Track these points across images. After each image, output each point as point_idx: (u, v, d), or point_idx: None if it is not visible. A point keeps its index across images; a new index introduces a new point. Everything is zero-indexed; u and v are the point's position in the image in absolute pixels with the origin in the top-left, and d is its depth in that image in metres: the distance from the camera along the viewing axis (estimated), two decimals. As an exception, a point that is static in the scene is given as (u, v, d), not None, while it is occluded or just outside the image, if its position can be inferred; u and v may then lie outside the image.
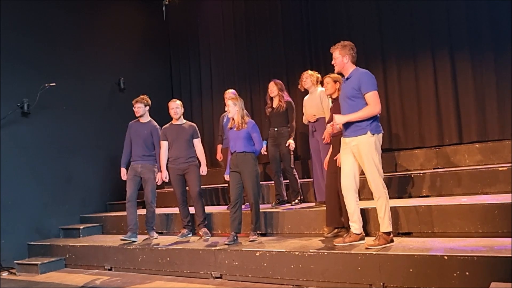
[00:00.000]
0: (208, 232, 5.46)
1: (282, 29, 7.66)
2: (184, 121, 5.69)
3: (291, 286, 4.13)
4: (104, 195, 7.49)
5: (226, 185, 5.47)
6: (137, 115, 5.83)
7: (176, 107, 5.57)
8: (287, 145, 5.56)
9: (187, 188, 5.60)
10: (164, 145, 5.58)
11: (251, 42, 8.01)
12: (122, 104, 7.45)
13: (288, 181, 5.83)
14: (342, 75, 4.21)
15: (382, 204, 3.93)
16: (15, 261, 5.99)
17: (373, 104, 3.89)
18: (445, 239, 3.98)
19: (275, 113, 5.72)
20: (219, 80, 8.42)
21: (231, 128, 5.05)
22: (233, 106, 4.97)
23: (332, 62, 4.15)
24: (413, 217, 4.34)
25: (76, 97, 7.14)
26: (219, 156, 6.21)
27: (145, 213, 5.80)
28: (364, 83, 3.92)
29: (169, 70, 9.14)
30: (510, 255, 3.15)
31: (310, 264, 4.03)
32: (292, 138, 5.59)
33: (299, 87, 5.61)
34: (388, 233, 3.95)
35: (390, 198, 4.02)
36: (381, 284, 3.63)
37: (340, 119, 4.01)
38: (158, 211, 6.07)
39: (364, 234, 4.21)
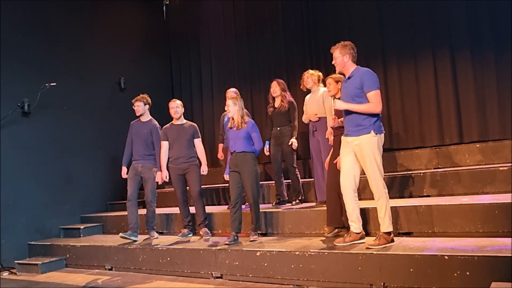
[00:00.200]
0: (209, 232, 5.46)
1: (282, 28, 7.66)
2: (185, 121, 5.69)
3: (292, 286, 4.13)
4: (104, 195, 7.50)
5: (227, 185, 5.47)
6: (137, 114, 5.83)
7: (176, 106, 5.58)
8: (289, 144, 5.56)
9: (187, 188, 5.60)
10: (165, 145, 5.58)
11: (251, 42, 8.02)
12: (123, 104, 7.45)
13: (289, 180, 5.83)
14: (344, 75, 4.21)
15: (383, 204, 3.93)
16: (15, 261, 5.99)
17: (375, 102, 3.90)
18: (446, 239, 3.98)
19: (277, 113, 5.71)
20: (219, 79, 8.42)
21: (230, 128, 5.04)
22: (233, 106, 4.97)
23: (333, 62, 4.15)
24: (413, 217, 4.34)
25: (76, 97, 7.15)
26: (220, 155, 6.22)
27: (145, 213, 5.80)
28: (366, 82, 3.92)
29: (169, 70, 9.14)
30: (510, 255, 3.14)
31: (310, 264, 4.03)
32: (295, 137, 5.59)
33: (301, 87, 5.61)
34: (388, 233, 3.95)
35: (390, 197, 4.03)
36: (382, 284, 3.63)
37: (340, 105, 4.03)
38: (159, 211, 6.07)
39: (364, 233, 4.21)
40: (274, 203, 5.80)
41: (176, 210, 5.93)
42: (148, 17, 8.81)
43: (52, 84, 6.47)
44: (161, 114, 6.38)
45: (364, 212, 4.38)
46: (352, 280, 3.79)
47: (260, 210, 5.15)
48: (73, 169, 7.01)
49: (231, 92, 5.96)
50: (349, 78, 4.09)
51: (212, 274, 4.66)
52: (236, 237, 4.86)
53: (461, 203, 4.20)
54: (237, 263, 4.49)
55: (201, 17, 8.78)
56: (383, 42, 6.66)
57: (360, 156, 4.00)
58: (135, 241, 5.56)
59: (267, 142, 5.83)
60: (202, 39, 8.74)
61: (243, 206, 5.12)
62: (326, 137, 4.83)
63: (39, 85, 6.46)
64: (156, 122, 5.86)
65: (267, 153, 5.83)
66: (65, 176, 6.90)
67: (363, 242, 4.07)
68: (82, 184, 7.12)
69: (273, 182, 5.99)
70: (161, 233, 6.06)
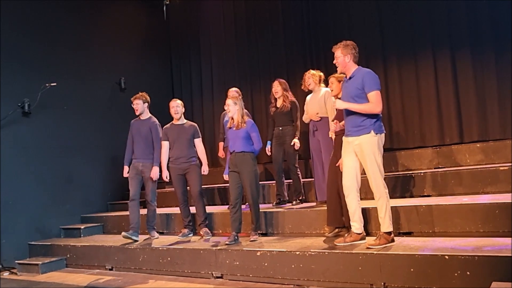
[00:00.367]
0: (209, 232, 5.46)
1: (282, 28, 7.66)
2: (185, 121, 5.69)
3: (292, 286, 4.13)
4: (105, 195, 7.50)
5: (227, 184, 5.47)
6: (136, 113, 5.81)
7: (176, 106, 5.58)
8: (292, 144, 5.55)
9: (188, 188, 5.60)
10: (165, 145, 5.58)
11: (251, 42, 8.02)
12: (123, 104, 7.44)
13: (290, 180, 5.83)
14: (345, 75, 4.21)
15: (383, 204, 3.93)
16: (16, 261, 6.00)
17: (375, 103, 3.90)
18: (446, 238, 3.98)
19: (279, 113, 5.71)
20: (219, 79, 8.42)
21: (230, 128, 5.04)
22: (233, 105, 4.96)
23: (334, 62, 4.15)
24: (414, 217, 4.34)
25: (76, 97, 7.15)
26: (221, 154, 6.21)
27: (146, 212, 5.80)
28: (367, 83, 3.92)
29: (169, 70, 9.14)
30: (511, 255, 3.14)
31: (311, 264, 4.03)
32: (297, 137, 5.59)
33: (302, 87, 5.61)
34: (389, 233, 3.95)
35: (391, 197, 4.03)
36: (382, 283, 3.63)
37: (340, 104, 4.04)
38: (159, 211, 6.07)
39: (365, 234, 4.21)
40: (274, 203, 5.80)
41: (176, 210, 5.93)
42: (148, 17, 8.81)
43: (52, 84, 6.47)
44: (162, 114, 6.38)
45: (364, 212, 4.38)
46: (352, 280, 3.79)
47: (261, 210, 5.15)
48: (74, 169, 7.01)
49: (233, 91, 5.95)
50: (350, 78, 4.09)
51: (212, 274, 4.66)
52: (236, 237, 4.86)
53: (461, 203, 4.20)
54: (237, 263, 4.50)
55: (201, 17, 8.78)
56: (383, 42, 6.66)
57: (360, 156, 4.00)
58: (135, 241, 5.56)
59: (268, 142, 5.83)
60: (202, 39, 8.74)
61: (243, 206, 5.11)
62: (330, 136, 4.81)
63: (39, 85, 6.47)
64: (155, 119, 5.86)
65: (268, 153, 5.83)
66: (65, 176, 6.90)
67: (364, 243, 4.07)
68: (82, 184, 7.12)
69: (274, 182, 5.99)
70: (161, 233, 6.06)
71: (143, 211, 5.90)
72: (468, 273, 3.26)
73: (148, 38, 8.65)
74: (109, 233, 6.70)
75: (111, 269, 5.53)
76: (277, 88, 5.72)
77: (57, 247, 6.13)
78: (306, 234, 4.96)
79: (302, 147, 5.69)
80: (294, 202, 5.71)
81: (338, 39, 4.22)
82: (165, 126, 5.65)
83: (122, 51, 8.09)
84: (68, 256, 5.98)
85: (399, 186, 5.34)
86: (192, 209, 5.61)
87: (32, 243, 6.35)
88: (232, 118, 5.01)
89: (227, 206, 5.94)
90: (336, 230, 4.63)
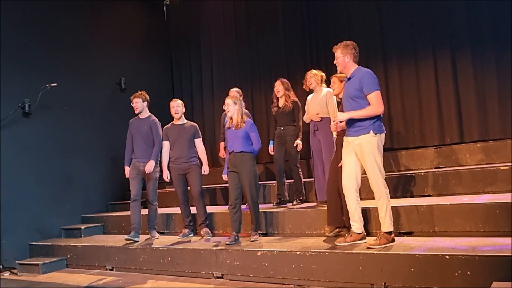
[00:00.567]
0: (210, 232, 5.47)
1: (283, 28, 7.66)
2: (185, 121, 5.69)
3: (293, 286, 4.13)
4: (105, 195, 7.50)
5: (228, 185, 5.48)
6: (135, 111, 5.78)
7: (177, 106, 5.58)
8: (294, 145, 5.55)
9: (188, 188, 5.59)
10: (166, 145, 5.58)
11: (251, 42, 8.02)
12: (123, 104, 7.43)
13: (290, 180, 5.82)
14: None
15: (383, 203, 3.93)
16: (16, 261, 6.00)
17: (376, 104, 3.89)
18: (447, 238, 3.98)
19: (281, 113, 5.70)
20: (220, 79, 8.42)
21: (229, 128, 5.02)
22: (233, 105, 4.94)
23: (334, 62, 4.15)
24: (414, 217, 4.34)
25: (77, 97, 7.15)
26: (222, 154, 6.21)
27: (146, 212, 5.79)
28: (366, 84, 3.91)
29: (170, 70, 9.15)
30: (511, 255, 3.14)
31: (311, 263, 4.03)
32: (299, 138, 5.59)
33: (304, 87, 5.60)
34: (389, 233, 3.95)
35: (391, 197, 4.03)
36: (383, 283, 3.63)
37: (342, 116, 4.02)
38: (160, 211, 6.06)
39: (365, 234, 4.21)
40: (274, 203, 5.80)
41: (177, 210, 5.94)
42: (149, 17, 8.81)
43: (53, 84, 6.47)
44: (162, 114, 6.38)
45: (364, 212, 4.38)
46: (353, 280, 3.79)
47: (261, 210, 5.15)
48: (74, 169, 7.01)
49: (234, 91, 5.95)
50: (349, 78, 4.09)
51: (213, 274, 4.66)
52: (237, 237, 4.86)
53: (462, 203, 4.20)
54: (238, 263, 4.50)
55: (201, 17, 8.78)
56: (383, 42, 6.66)
57: (360, 156, 4.00)
58: (136, 241, 5.55)
59: (271, 141, 5.83)
60: (203, 39, 8.74)
61: (243, 206, 5.11)
62: (334, 133, 4.80)
63: (39, 85, 6.47)
64: (155, 118, 5.84)
65: (271, 153, 5.83)
66: (65, 176, 6.90)
67: (364, 242, 4.07)
68: (82, 184, 7.12)
69: (274, 182, 5.99)
70: (162, 233, 6.07)
71: (144, 211, 5.89)
72: (468, 273, 3.26)
73: (148, 38, 8.65)
74: (110, 233, 6.71)
75: (111, 269, 5.53)
76: (279, 87, 5.72)
77: (57, 247, 6.13)
78: (307, 234, 4.96)
79: (303, 147, 5.69)
80: (294, 202, 5.71)
81: (338, 39, 4.22)
82: (165, 126, 5.65)
83: (122, 51, 8.09)
84: (68, 256, 5.98)
85: (400, 186, 5.34)
86: (193, 209, 5.61)
87: (33, 243, 6.35)
88: (231, 118, 4.99)
89: (228, 206, 5.94)
90: (337, 230, 4.63)
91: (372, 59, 6.60)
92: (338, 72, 4.34)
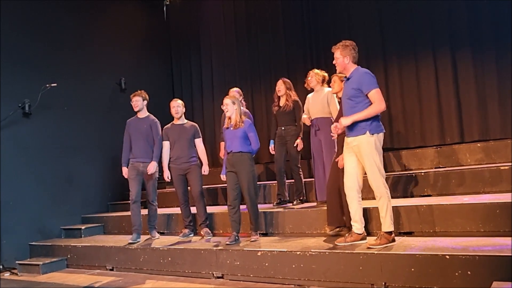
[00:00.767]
0: (210, 232, 5.47)
1: (283, 28, 7.66)
2: (186, 121, 5.69)
3: (293, 286, 4.13)
4: (105, 195, 7.50)
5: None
6: (135, 109, 5.75)
7: (177, 106, 5.57)
8: (295, 145, 5.55)
9: (188, 188, 5.59)
10: (166, 145, 5.57)
11: (252, 42, 8.02)
12: (123, 104, 7.44)
13: (291, 180, 5.82)
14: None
15: (384, 203, 3.93)
16: (16, 262, 6.00)
17: (377, 102, 3.89)
18: (447, 238, 3.98)
19: (282, 112, 5.71)
20: (220, 79, 8.42)
21: (227, 128, 5.01)
22: (232, 105, 4.93)
23: (334, 62, 4.15)
24: (414, 217, 4.34)
25: (77, 97, 7.15)
26: (222, 153, 6.20)
27: (146, 213, 5.79)
28: (364, 84, 3.92)
29: (170, 70, 9.15)
30: (511, 255, 3.15)
31: (311, 264, 4.03)
32: (300, 137, 5.58)
33: (305, 85, 5.61)
34: (389, 233, 3.95)
35: (391, 197, 4.02)
36: (383, 283, 3.63)
37: (345, 121, 3.98)
38: (160, 211, 6.07)
39: (365, 234, 4.21)
40: (275, 203, 5.80)
41: (177, 210, 5.94)
42: (149, 17, 8.81)
43: (53, 84, 6.47)
44: (162, 114, 6.38)
45: (365, 212, 4.37)
46: (353, 280, 3.79)
47: (261, 210, 5.15)
48: (74, 169, 7.01)
49: (234, 91, 5.95)
50: (348, 79, 4.09)
51: (213, 274, 4.66)
52: (237, 237, 4.85)
53: (462, 203, 4.20)
54: (238, 263, 4.50)
55: (201, 17, 8.78)
56: (384, 42, 6.66)
57: (359, 157, 4.00)
58: (137, 241, 5.55)
59: (271, 141, 5.83)
60: (203, 39, 8.74)
61: (243, 206, 5.10)
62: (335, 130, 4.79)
63: (39, 85, 6.47)
64: (154, 117, 5.82)
65: (272, 152, 5.84)
66: (65, 176, 6.90)
67: (365, 242, 4.07)
68: (82, 184, 7.12)
69: (275, 182, 5.99)
70: (162, 233, 6.06)
71: (143, 211, 5.89)
72: (469, 272, 3.26)
73: (148, 38, 8.65)
74: (110, 234, 6.71)
75: (111, 270, 5.53)
76: (281, 86, 5.72)
77: (57, 247, 6.13)
78: (307, 234, 4.96)
79: (303, 146, 5.70)
80: (294, 202, 5.71)
81: (338, 39, 4.22)
82: (165, 126, 5.65)
83: (122, 51, 8.09)
84: (68, 256, 5.98)
85: (400, 185, 5.34)
86: (193, 209, 5.61)
87: (33, 243, 6.35)
88: (229, 118, 4.97)
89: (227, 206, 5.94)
90: (337, 230, 4.62)
91: (372, 59, 6.60)
92: (337, 72, 4.34)
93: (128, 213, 5.76)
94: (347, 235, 4.22)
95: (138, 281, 4.88)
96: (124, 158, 5.75)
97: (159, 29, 8.96)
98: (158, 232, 5.87)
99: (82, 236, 6.52)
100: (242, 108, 5.89)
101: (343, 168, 4.25)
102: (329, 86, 5.21)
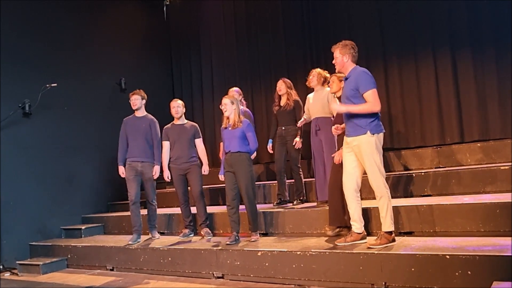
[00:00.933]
0: (210, 232, 5.46)
1: (283, 28, 7.67)
2: (186, 121, 5.69)
3: (293, 286, 4.13)
4: (105, 195, 7.50)
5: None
6: (134, 108, 5.72)
7: (177, 106, 5.57)
8: (294, 143, 5.55)
9: (188, 188, 5.59)
10: (166, 145, 5.57)
11: (252, 42, 8.02)
12: (123, 104, 7.42)
13: (291, 180, 5.83)
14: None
15: (384, 203, 3.93)
16: (17, 262, 6.00)
17: (373, 102, 3.89)
18: (447, 238, 3.98)
19: (283, 112, 5.71)
20: (220, 79, 8.43)
21: (225, 128, 5.00)
22: (230, 105, 4.92)
23: (333, 61, 4.15)
24: (414, 216, 4.34)
25: (77, 97, 7.15)
26: (222, 154, 6.20)
27: (145, 213, 5.78)
28: (361, 84, 3.92)
29: (170, 70, 9.15)
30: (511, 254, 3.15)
31: (311, 263, 4.03)
32: (299, 136, 5.58)
33: (306, 83, 5.62)
34: (390, 233, 3.95)
35: (391, 197, 4.02)
36: (383, 283, 3.63)
37: (339, 108, 4.08)
38: (160, 211, 6.07)
39: (365, 234, 4.21)
40: (275, 203, 5.80)
41: (177, 210, 5.94)
42: (149, 17, 8.81)
43: (53, 84, 6.47)
44: (162, 114, 6.38)
45: (365, 212, 4.38)
46: (353, 280, 3.80)
47: (261, 210, 5.15)
48: (74, 169, 7.01)
49: (233, 91, 5.95)
50: (347, 78, 4.10)
51: (213, 274, 4.66)
52: (237, 237, 4.86)
53: (462, 203, 4.20)
54: (238, 263, 4.50)
55: (201, 17, 8.78)
56: (384, 42, 6.66)
57: (359, 157, 4.00)
58: (137, 242, 5.55)
59: (270, 140, 5.84)
60: (203, 39, 8.75)
61: (242, 207, 5.08)
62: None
63: (39, 85, 6.47)
64: (153, 117, 5.80)
65: (270, 151, 5.84)
66: (66, 176, 6.90)
67: (365, 242, 4.07)
68: (83, 184, 7.12)
69: (275, 182, 5.99)
70: (162, 233, 6.06)
71: (143, 211, 5.88)
72: (469, 272, 3.27)
73: (148, 38, 8.65)
74: (110, 234, 6.71)
75: (112, 270, 5.53)
76: (281, 86, 5.73)
77: (58, 247, 6.13)
78: (307, 234, 4.96)
79: (303, 146, 5.70)
80: (295, 202, 5.71)
81: (338, 39, 4.22)
82: (165, 126, 5.64)
83: (122, 51, 8.09)
84: (69, 256, 5.99)
85: (400, 185, 5.34)
86: (193, 209, 5.61)
87: (33, 243, 6.35)
88: (228, 118, 4.96)
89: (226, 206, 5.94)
90: (337, 230, 4.62)
91: (372, 59, 6.61)
92: (336, 71, 4.34)
93: (128, 213, 5.75)
94: (347, 235, 4.22)
95: (138, 281, 4.88)
96: (120, 157, 5.70)
97: (159, 29, 8.96)
98: (158, 232, 5.86)
99: (82, 236, 6.53)
100: (242, 107, 5.93)
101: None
102: (329, 86, 5.21)
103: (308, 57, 7.34)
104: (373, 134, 3.92)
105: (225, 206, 6.24)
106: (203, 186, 5.61)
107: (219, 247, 4.72)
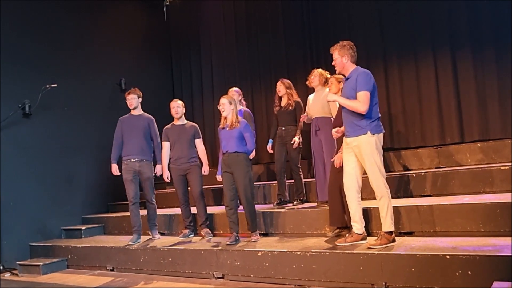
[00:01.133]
0: (210, 232, 5.46)
1: (283, 28, 7.67)
2: (186, 121, 5.69)
3: (293, 286, 4.13)
4: (105, 195, 7.49)
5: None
6: (131, 107, 5.72)
7: (177, 106, 5.57)
8: (292, 142, 5.55)
9: (189, 188, 5.59)
10: (166, 145, 5.56)
11: (252, 42, 8.02)
12: (123, 104, 7.40)
13: (291, 181, 5.83)
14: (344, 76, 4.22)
15: (384, 203, 3.93)
16: (17, 262, 5.99)
17: (361, 102, 3.89)
18: (447, 238, 3.98)
19: (283, 112, 5.71)
20: (220, 80, 8.43)
21: (223, 128, 4.99)
22: (228, 105, 4.91)
23: (333, 63, 4.15)
24: (414, 217, 4.34)
25: (77, 97, 7.15)
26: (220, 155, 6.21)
27: (145, 213, 5.78)
28: (358, 83, 3.93)
29: (170, 70, 9.15)
30: (512, 255, 3.15)
31: (312, 264, 4.03)
32: (298, 135, 5.58)
33: (307, 82, 5.61)
34: (390, 233, 3.95)
35: (391, 197, 4.02)
36: (383, 283, 3.63)
37: (331, 97, 4.20)
38: (160, 211, 6.07)
39: (366, 234, 4.21)
40: (275, 203, 5.80)
41: (177, 210, 5.93)
42: (149, 17, 8.81)
43: (53, 85, 6.47)
44: (162, 114, 6.38)
45: (365, 212, 4.38)
46: (353, 280, 3.80)
47: (262, 210, 5.15)
48: (74, 169, 7.01)
49: (233, 91, 5.95)
50: (347, 79, 4.10)
51: (213, 274, 4.66)
52: (237, 237, 4.86)
53: (462, 203, 4.20)
54: (238, 263, 4.50)
55: (201, 17, 8.78)
56: (384, 42, 6.66)
57: (359, 157, 4.00)
58: (137, 242, 5.55)
59: (270, 140, 5.84)
60: (203, 39, 8.75)
61: (241, 207, 5.08)
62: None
63: (39, 86, 6.47)
64: (150, 115, 5.80)
65: (270, 151, 5.84)
66: (66, 176, 6.90)
67: (365, 243, 4.07)
68: (83, 184, 7.12)
69: (275, 182, 5.99)
70: (162, 234, 6.06)
71: (143, 212, 5.88)
72: (469, 272, 3.27)
73: (148, 38, 8.65)
74: (110, 234, 6.71)
75: (112, 270, 5.53)
76: (280, 87, 5.74)
77: (58, 248, 6.13)
78: (307, 234, 4.96)
79: (303, 146, 5.70)
80: (295, 202, 5.71)
81: (338, 39, 4.22)
82: (165, 127, 5.64)
83: (122, 51, 8.09)
84: (69, 257, 5.99)
85: (400, 186, 5.34)
86: (193, 210, 5.61)
87: (33, 244, 6.35)
88: (225, 118, 4.95)
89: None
90: (337, 230, 4.63)
91: (372, 59, 6.61)
92: (337, 72, 4.34)
93: (129, 213, 5.74)
94: (347, 235, 4.23)
95: (138, 282, 4.88)
96: (114, 154, 5.69)
97: (159, 29, 8.96)
98: (158, 232, 5.85)
99: (83, 236, 6.53)
100: (242, 107, 5.93)
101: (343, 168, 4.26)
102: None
103: (308, 57, 7.34)
104: (373, 134, 3.92)
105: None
106: (203, 187, 5.60)
107: (219, 248, 4.72)
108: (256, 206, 5.11)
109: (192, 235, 5.58)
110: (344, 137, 4.17)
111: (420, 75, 6.37)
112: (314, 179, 5.54)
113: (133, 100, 5.71)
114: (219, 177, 5.12)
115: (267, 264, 4.30)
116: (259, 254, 4.37)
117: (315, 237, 4.80)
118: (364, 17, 6.80)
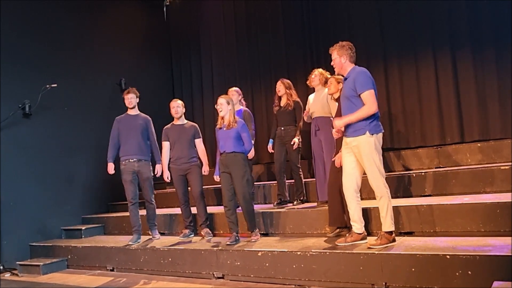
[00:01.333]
0: (210, 232, 5.46)
1: (283, 28, 7.67)
2: (186, 121, 5.68)
3: (293, 286, 4.13)
4: (105, 195, 7.49)
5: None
6: (130, 106, 5.71)
7: (177, 106, 5.56)
8: (292, 143, 5.55)
9: (189, 188, 5.59)
10: (166, 145, 5.56)
11: (252, 42, 8.03)
12: (123, 104, 7.44)
13: (291, 181, 5.83)
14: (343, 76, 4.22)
15: (384, 203, 3.93)
16: (17, 262, 5.99)
17: (369, 103, 3.87)
18: (447, 238, 3.98)
19: (283, 112, 5.71)
20: (220, 79, 8.43)
21: (220, 128, 4.98)
22: (226, 105, 4.90)
23: (332, 63, 4.15)
24: (415, 217, 4.34)
25: (77, 97, 7.15)
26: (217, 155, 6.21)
27: (145, 213, 5.78)
28: (358, 84, 3.91)
29: (170, 70, 9.16)
30: (512, 254, 3.15)
31: (312, 264, 4.04)
32: (297, 137, 5.58)
33: (307, 82, 5.62)
34: (390, 233, 3.95)
35: (391, 197, 4.02)
36: (383, 283, 3.63)
37: (338, 123, 4.04)
38: (160, 211, 6.07)
39: (366, 234, 4.21)
40: (275, 203, 5.80)
41: (177, 210, 5.93)
42: (149, 17, 8.82)
43: (53, 85, 6.47)
44: (162, 114, 6.38)
45: (365, 212, 4.38)
46: (353, 280, 3.80)
47: (262, 211, 5.15)
48: (74, 169, 7.01)
49: (233, 91, 5.96)
50: (346, 79, 4.09)
51: (213, 274, 4.66)
52: (237, 237, 4.86)
53: (462, 203, 4.20)
54: (238, 263, 4.50)
55: (201, 17, 8.79)
56: (384, 42, 6.66)
57: (359, 157, 4.00)
58: (137, 242, 5.55)
59: (270, 140, 5.84)
60: (203, 39, 8.75)
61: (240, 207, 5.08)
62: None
63: (39, 86, 6.47)
64: (147, 115, 5.80)
65: (270, 151, 5.84)
66: (66, 177, 6.90)
67: (365, 242, 4.08)
68: (83, 184, 7.13)
69: (274, 182, 5.99)
70: (162, 234, 6.06)
71: (142, 211, 5.87)
72: (469, 272, 3.27)
73: (148, 38, 8.66)
74: (110, 234, 6.71)
75: (112, 270, 5.53)
76: (280, 87, 5.74)
77: (58, 248, 6.13)
78: (307, 234, 4.96)
79: (303, 146, 5.70)
80: (295, 202, 5.72)
81: (338, 39, 4.22)
82: (165, 127, 5.64)
83: (123, 51, 8.09)
84: (69, 257, 5.99)
85: (400, 185, 5.34)
86: (193, 210, 5.61)
87: (33, 244, 6.35)
88: (223, 118, 4.95)
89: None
90: (338, 230, 4.63)
91: (372, 59, 6.61)
92: (336, 73, 4.34)
93: (127, 213, 5.74)
94: (347, 235, 4.23)
95: (138, 282, 4.88)
96: (110, 154, 5.68)
97: (159, 29, 8.96)
98: (158, 232, 5.85)
99: (83, 236, 6.53)
100: (242, 107, 5.94)
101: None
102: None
103: (308, 57, 7.34)
104: (372, 134, 3.92)
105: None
106: (203, 187, 5.60)
107: (219, 248, 4.72)
108: (256, 206, 5.12)
109: (192, 235, 5.58)
110: (343, 137, 4.17)
111: (420, 75, 6.37)
112: (314, 179, 5.54)
113: (133, 99, 5.71)
114: (216, 178, 5.12)
115: (267, 264, 4.30)
116: (259, 254, 4.37)
117: (315, 237, 4.80)
118: (364, 17, 6.80)
